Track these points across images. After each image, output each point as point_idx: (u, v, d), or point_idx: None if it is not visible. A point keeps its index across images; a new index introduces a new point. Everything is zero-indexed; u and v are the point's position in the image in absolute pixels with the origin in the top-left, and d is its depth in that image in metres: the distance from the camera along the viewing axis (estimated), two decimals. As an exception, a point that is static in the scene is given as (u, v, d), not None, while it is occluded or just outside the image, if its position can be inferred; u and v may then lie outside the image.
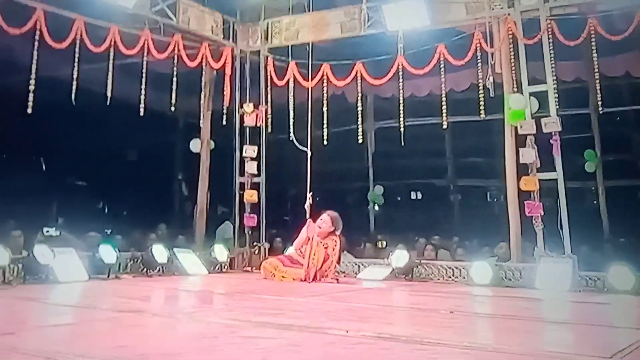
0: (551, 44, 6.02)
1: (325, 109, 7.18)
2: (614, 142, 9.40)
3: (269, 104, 7.59)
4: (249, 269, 7.21)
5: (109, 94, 6.25)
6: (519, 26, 6.18)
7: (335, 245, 5.79)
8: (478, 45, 6.29)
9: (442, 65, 6.49)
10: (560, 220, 5.73)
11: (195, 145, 7.85)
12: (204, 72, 7.38)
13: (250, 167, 7.55)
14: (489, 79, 6.23)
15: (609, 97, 7.25)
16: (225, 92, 7.45)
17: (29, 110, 5.69)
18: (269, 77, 7.52)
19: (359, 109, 7.22)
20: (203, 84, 7.42)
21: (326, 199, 9.62)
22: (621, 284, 5.15)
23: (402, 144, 7.03)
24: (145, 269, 6.09)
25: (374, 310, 3.98)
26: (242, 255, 7.37)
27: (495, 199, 11.15)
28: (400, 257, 6.25)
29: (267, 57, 7.63)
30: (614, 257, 5.74)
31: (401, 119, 6.84)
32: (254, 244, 7.46)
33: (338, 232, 5.94)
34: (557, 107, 6.01)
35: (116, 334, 2.94)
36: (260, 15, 7.73)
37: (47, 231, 6.61)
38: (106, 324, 3.29)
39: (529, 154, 5.89)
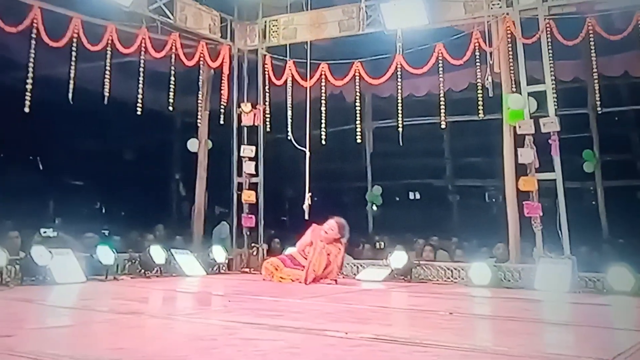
0: (550, 44, 6.02)
1: (323, 108, 7.16)
2: (613, 142, 9.40)
3: (267, 103, 7.57)
4: (247, 270, 7.18)
5: (106, 93, 6.22)
6: (518, 25, 6.17)
7: (339, 253, 5.73)
8: (476, 44, 6.29)
9: (440, 65, 6.48)
10: (559, 220, 5.73)
11: (192, 145, 7.81)
12: (201, 71, 7.34)
13: (248, 167, 7.52)
14: (487, 79, 6.22)
15: (607, 97, 7.25)
16: (222, 92, 7.42)
17: (26, 109, 5.66)
18: (266, 76, 7.50)
19: (357, 108, 7.21)
20: (200, 83, 7.38)
21: (324, 199, 9.62)
22: (620, 285, 5.15)
23: (401, 143, 7.01)
24: (143, 270, 6.06)
25: (373, 312, 3.97)
26: (240, 256, 7.35)
27: (493, 200, 11.15)
28: (399, 258, 6.23)
29: (264, 56, 7.61)
30: (613, 258, 5.74)
31: (399, 118, 6.83)
32: (252, 244, 7.44)
33: (344, 240, 5.87)
34: (556, 107, 6.01)
35: (114, 336, 2.92)
36: (258, 13, 7.71)
37: (45, 232, 6.57)
38: (104, 326, 3.27)
39: (528, 154, 5.88)
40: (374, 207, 10.83)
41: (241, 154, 7.53)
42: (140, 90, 6.49)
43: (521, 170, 5.96)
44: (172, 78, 6.78)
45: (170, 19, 6.77)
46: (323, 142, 7.12)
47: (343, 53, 7.32)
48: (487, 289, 5.54)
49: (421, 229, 9.09)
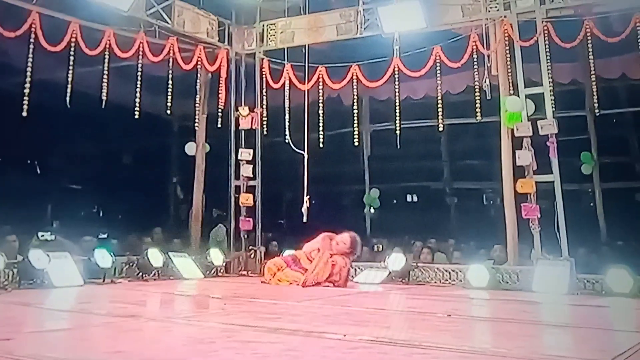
0: (547, 46, 6.04)
1: (321, 111, 7.17)
2: (611, 144, 9.41)
3: (265, 106, 7.58)
4: (245, 272, 7.17)
5: (104, 97, 6.22)
6: (515, 28, 6.19)
7: (345, 266, 5.67)
8: (474, 47, 6.31)
9: (438, 68, 6.49)
10: (557, 222, 5.73)
11: (190, 149, 7.81)
12: (199, 75, 7.36)
13: (246, 170, 7.52)
14: (485, 81, 6.23)
15: (605, 99, 7.27)
16: (220, 95, 7.43)
17: (24, 114, 5.66)
18: (264, 80, 7.51)
19: (355, 111, 7.22)
20: (198, 86, 7.39)
21: (322, 202, 9.61)
22: (619, 287, 5.15)
23: (398, 146, 7.03)
24: (140, 273, 6.04)
25: (371, 314, 3.96)
26: (237, 259, 7.33)
27: (491, 202, 11.14)
28: (396, 260, 6.23)
29: (262, 60, 7.62)
30: (612, 260, 5.73)
31: (397, 121, 6.84)
32: (250, 247, 7.42)
33: (353, 257, 5.83)
34: (554, 109, 6.02)
35: (112, 339, 2.91)
36: (255, 17, 7.72)
37: (42, 235, 6.56)
38: (102, 329, 3.26)
39: (526, 157, 5.89)
40: (372, 210, 10.83)
41: (239, 157, 7.53)
42: (138, 94, 6.50)
43: (519, 172, 5.97)
44: (170, 82, 6.79)
45: (168, 23, 6.79)
46: (321, 145, 7.13)
47: (341, 56, 7.33)
48: (485, 291, 5.54)
49: (419, 231, 9.08)
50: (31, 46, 5.69)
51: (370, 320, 3.68)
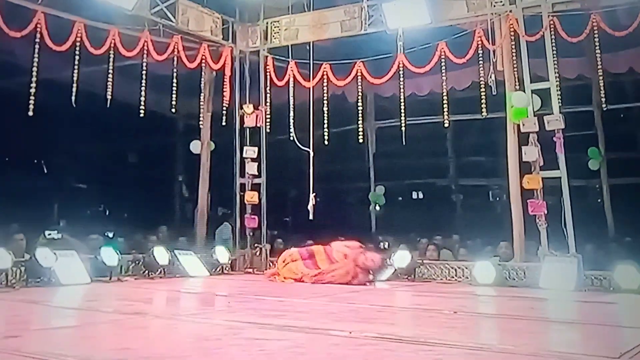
0: (553, 41, 5.99)
1: (325, 109, 7.16)
2: (618, 139, 9.30)
3: (269, 104, 7.57)
4: (250, 270, 7.18)
5: (109, 96, 6.24)
6: (521, 23, 6.14)
7: (361, 284, 5.65)
8: (479, 42, 6.26)
9: (443, 64, 6.45)
10: (564, 218, 5.69)
11: (195, 147, 7.83)
12: (203, 73, 7.36)
13: (251, 168, 7.52)
14: (490, 77, 6.19)
15: (612, 94, 7.20)
16: (225, 93, 7.44)
17: (30, 113, 5.69)
18: (268, 78, 7.50)
19: (360, 108, 7.19)
20: (203, 85, 7.40)
21: (327, 199, 9.60)
22: (627, 283, 5.10)
23: (403, 143, 6.99)
24: (146, 271, 6.07)
25: (377, 311, 3.95)
26: (243, 257, 7.35)
27: (497, 198, 11.08)
28: (402, 257, 6.21)
29: (266, 57, 7.61)
30: (620, 256, 5.68)
31: (402, 118, 6.81)
32: (255, 245, 7.43)
33: (373, 277, 5.85)
34: (560, 104, 5.98)
35: (119, 336, 2.93)
36: (259, 15, 7.71)
37: (49, 234, 6.58)
38: (109, 327, 3.28)
39: (532, 152, 5.85)
40: (377, 207, 10.80)
41: (244, 155, 7.54)
42: (143, 93, 6.51)
43: (525, 168, 5.93)
44: (175, 80, 6.80)
45: (172, 21, 6.79)
46: (326, 142, 7.11)
47: (345, 53, 7.31)
48: (492, 288, 5.51)
49: (424, 228, 9.04)
50: (37, 46, 5.72)
51: (376, 317, 3.67)
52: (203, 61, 7.20)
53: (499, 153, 6.66)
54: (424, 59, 6.61)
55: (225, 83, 7.47)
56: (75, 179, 10.67)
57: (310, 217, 6.92)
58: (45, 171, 10.40)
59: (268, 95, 7.55)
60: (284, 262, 5.86)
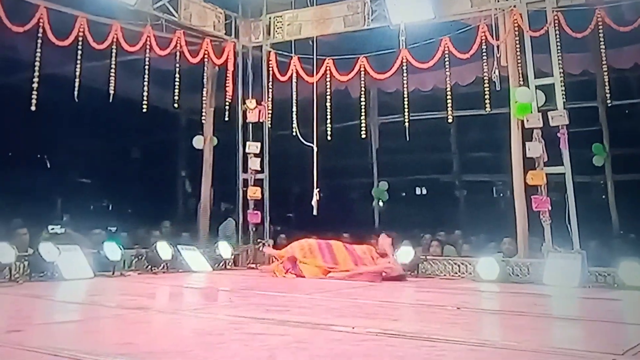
0: (558, 36, 5.95)
1: (328, 104, 7.13)
2: (623, 135, 9.25)
3: (271, 99, 7.55)
4: (253, 265, 7.19)
5: (111, 91, 6.23)
6: (525, 18, 6.10)
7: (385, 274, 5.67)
8: (483, 38, 6.22)
9: (446, 59, 6.42)
10: (569, 215, 5.66)
11: (198, 142, 7.82)
12: (206, 68, 7.35)
13: (254, 163, 7.52)
14: (494, 72, 6.16)
15: (617, 89, 7.14)
16: (227, 88, 7.42)
17: (33, 108, 5.69)
18: (271, 73, 7.48)
19: (363, 104, 7.17)
20: (205, 80, 7.38)
21: (330, 195, 9.59)
22: (632, 280, 5.08)
23: (407, 139, 6.97)
24: (149, 266, 6.08)
25: (380, 307, 3.95)
26: (246, 252, 7.36)
27: (501, 194, 11.05)
28: (405, 253, 6.20)
29: (269, 53, 7.59)
30: (624, 253, 5.66)
31: (405, 113, 6.78)
32: (258, 240, 7.44)
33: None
34: (564, 100, 5.94)
35: (122, 331, 2.93)
36: (262, 10, 7.69)
37: (52, 229, 6.61)
38: (112, 321, 3.29)
39: (536, 148, 5.82)
40: (380, 203, 10.79)
41: (246, 151, 7.53)
42: (145, 88, 6.51)
43: (529, 164, 5.91)
44: (177, 75, 6.79)
45: (174, 16, 6.77)
46: (329, 138, 7.10)
47: (348, 48, 7.28)
48: (495, 284, 5.50)
49: (428, 224, 9.03)
50: (39, 41, 5.71)
51: (378, 312, 3.67)
52: (206, 56, 7.18)
53: (503, 149, 6.63)
54: (427, 55, 6.57)
55: (227, 78, 7.45)
56: (78, 174, 10.70)
57: (314, 212, 6.91)
58: (49, 166, 10.43)
59: (271, 90, 7.54)
60: (302, 253, 5.83)
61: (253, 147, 7.52)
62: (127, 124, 9.00)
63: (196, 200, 8.40)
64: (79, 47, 5.98)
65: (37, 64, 5.73)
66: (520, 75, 6.13)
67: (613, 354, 2.41)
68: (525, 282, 5.58)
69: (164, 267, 6.10)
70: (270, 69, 7.49)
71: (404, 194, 11.97)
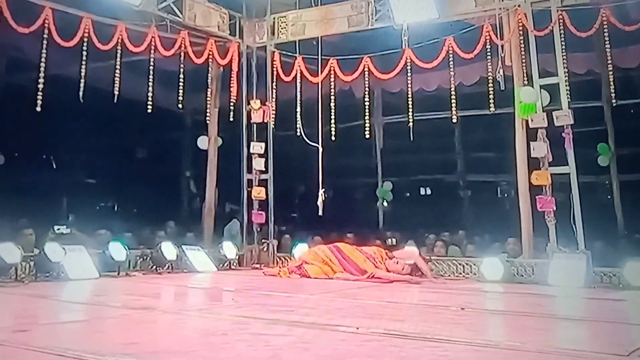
0: (562, 36, 5.91)
1: (332, 104, 7.14)
2: (628, 135, 9.20)
3: (275, 100, 7.56)
4: (257, 265, 7.20)
5: (116, 92, 6.26)
6: (530, 18, 6.07)
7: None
8: (488, 37, 6.20)
9: (451, 59, 6.40)
10: (573, 215, 5.64)
11: (202, 142, 7.85)
12: (210, 69, 7.36)
13: (258, 163, 7.53)
14: (498, 72, 6.13)
15: (622, 89, 7.11)
16: (232, 89, 7.44)
17: (38, 109, 5.72)
18: (275, 73, 7.49)
19: (367, 104, 7.17)
20: (210, 80, 7.40)
21: (335, 195, 9.60)
22: (637, 280, 5.05)
23: (411, 139, 6.96)
24: (154, 266, 6.11)
25: (384, 307, 3.95)
26: (250, 253, 7.37)
27: (505, 195, 11.02)
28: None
29: (273, 53, 7.60)
30: (630, 253, 5.62)
31: (410, 113, 6.78)
32: (263, 240, 7.45)
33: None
34: (569, 99, 5.91)
35: (127, 331, 2.94)
36: (266, 10, 7.69)
37: (58, 229, 6.65)
38: (117, 321, 3.30)
39: (541, 148, 5.80)
40: (385, 203, 10.78)
41: (251, 151, 7.54)
42: (150, 89, 6.53)
43: (534, 164, 5.88)
44: (182, 76, 6.81)
45: (179, 17, 6.79)
46: (333, 138, 7.10)
47: (352, 48, 7.28)
48: (500, 284, 5.49)
49: (432, 224, 9.03)
50: (45, 42, 5.75)
51: (383, 313, 3.67)
52: (210, 57, 7.20)
53: (507, 149, 6.61)
54: (431, 55, 6.56)
55: (232, 79, 7.46)
56: (83, 175, 10.76)
57: (320, 212, 6.91)
58: (54, 166, 10.49)
59: (275, 90, 7.55)
60: (318, 260, 5.86)
61: (257, 147, 7.53)
62: (132, 125, 9.04)
63: (201, 200, 8.42)
64: (84, 47, 6.01)
65: (42, 64, 5.77)
66: (525, 75, 6.10)
67: (618, 355, 2.40)
68: (530, 283, 5.56)
69: (168, 267, 6.12)
70: (275, 69, 7.50)
71: (408, 194, 11.96)
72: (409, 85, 6.75)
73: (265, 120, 7.58)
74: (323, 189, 6.99)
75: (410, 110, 6.77)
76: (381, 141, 10.62)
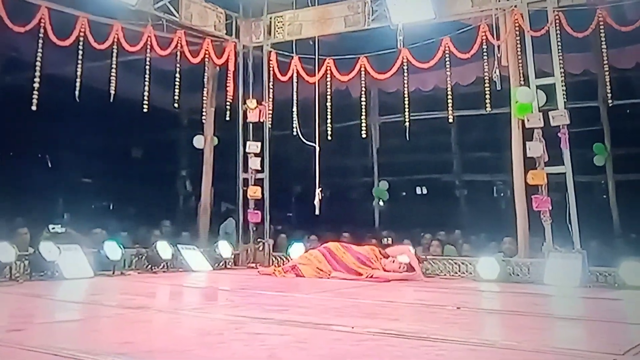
0: (559, 36, 5.94)
1: (329, 104, 7.13)
2: (624, 135, 9.23)
3: (272, 99, 7.55)
4: (253, 265, 7.19)
5: (112, 91, 6.24)
6: (526, 18, 6.09)
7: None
8: (484, 38, 6.21)
9: (447, 59, 6.41)
10: (569, 214, 5.65)
11: (198, 142, 7.83)
12: (206, 68, 7.35)
13: (254, 163, 7.52)
14: (495, 72, 6.15)
15: (618, 89, 7.13)
16: (228, 88, 7.42)
17: (34, 108, 5.70)
18: (272, 73, 7.48)
19: (363, 103, 7.17)
20: (206, 80, 7.39)
21: (331, 194, 9.58)
22: (632, 280, 5.07)
23: (407, 138, 6.97)
24: (149, 266, 6.09)
25: (380, 307, 3.95)
26: (246, 252, 7.36)
27: (502, 194, 11.04)
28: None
29: (270, 53, 7.59)
30: (625, 253, 5.65)
31: (406, 113, 6.78)
32: (258, 240, 7.44)
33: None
34: (565, 100, 5.93)
35: (122, 330, 2.93)
36: (263, 10, 7.68)
37: (53, 228, 6.63)
38: (112, 320, 3.29)
39: (537, 148, 5.82)
40: (381, 203, 10.78)
41: (247, 150, 7.54)
42: (146, 88, 6.51)
43: (530, 164, 5.90)
44: (178, 75, 6.80)
45: (175, 16, 6.78)
46: (329, 137, 7.10)
47: (349, 48, 7.28)
48: (496, 284, 5.50)
49: (428, 224, 9.03)
50: (40, 41, 5.72)
51: (378, 312, 3.67)
52: (206, 56, 7.18)
53: (504, 148, 6.63)
54: (428, 54, 6.57)
55: (228, 78, 7.45)
56: (79, 174, 10.71)
57: (317, 212, 6.91)
58: (49, 166, 10.45)
59: (271, 90, 7.54)
60: (312, 267, 5.87)
61: (253, 146, 7.52)
62: (128, 124, 9.01)
63: (196, 199, 8.41)
64: (80, 47, 5.99)
65: (38, 63, 5.74)
66: (521, 75, 6.12)
67: (614, 354, 2.41)
68: (526, 282, 5.57)
69: (164, 266, 6.10)
70: (271, 68, 7.49)
71: (404, 194, 11.97)
72: (406, 85, 6.76)
73: (262, 120, 7.57)
74: (320, 188, 6.99)
75: (407, 110, 6.77)
76: (377, 141, 10.61)
